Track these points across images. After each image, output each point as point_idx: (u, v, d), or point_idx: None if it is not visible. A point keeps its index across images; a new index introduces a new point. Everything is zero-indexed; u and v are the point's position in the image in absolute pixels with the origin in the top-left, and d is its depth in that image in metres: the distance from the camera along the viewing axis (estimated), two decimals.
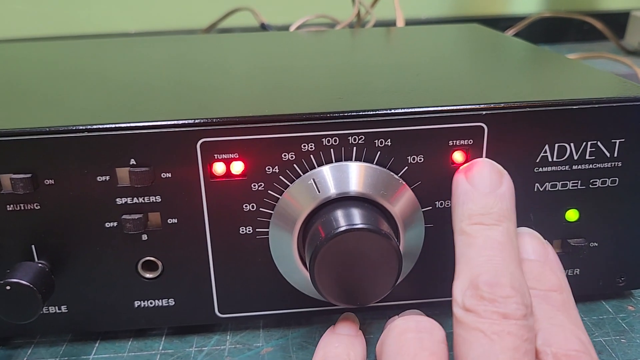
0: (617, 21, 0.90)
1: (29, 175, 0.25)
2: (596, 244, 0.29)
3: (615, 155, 0.28)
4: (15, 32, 0.85)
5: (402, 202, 0.27)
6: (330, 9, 0.82)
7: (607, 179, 0.28)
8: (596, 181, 0.28)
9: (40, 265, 0.26)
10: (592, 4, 0.96)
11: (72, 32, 0.86)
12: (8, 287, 0.25)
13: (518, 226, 0.25)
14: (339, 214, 0.25)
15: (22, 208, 0.26)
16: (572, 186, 0.28)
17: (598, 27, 0.83)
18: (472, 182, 0.25)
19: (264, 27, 0.69)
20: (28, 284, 0.25)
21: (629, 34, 0.85)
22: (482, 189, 0.24)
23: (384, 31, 0.50)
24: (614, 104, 0.27)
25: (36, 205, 0.26)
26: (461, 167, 0.26)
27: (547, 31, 0.93)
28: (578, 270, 0.30)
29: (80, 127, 0.25)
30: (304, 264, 0.27)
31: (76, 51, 0.43)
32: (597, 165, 0.28)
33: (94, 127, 0.25)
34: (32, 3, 0.85)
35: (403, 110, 0.26)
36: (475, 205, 0.24)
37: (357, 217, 0.25)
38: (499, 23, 0.91)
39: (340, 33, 0.50)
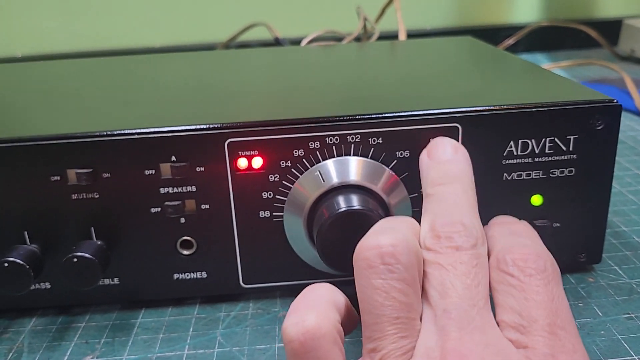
0: (611, 29, 0.95)
1: (90, 170, 0.32)
2: (559, 225, 0.35)
3: (571, 149, 0.33)
4: (48, 48, 0.92)
5: (393, 190, 0.32)
6: (338, 22, 0.89)
7: (565, 169, 0.34)
8: (555, 171, 0.34)
9: (99, 243, 0.33)
10: (588, 13, 1.02)
11: (101, 47, 0.93)
12: (75, 260, 0.31)
13: (489, 211, 0.30)
14: (340, 199, 0.31)
15: (84, 197, 0.32)
16: (535, 175, 0.34)
17: (593, 35, 0.89)
18: (431, 156, 0.30)
19: (277, 41, 0.75)
20: (91, 256, 0.31)
21: (622, 41, 0.91)
22: (439, 159, 0.30)
23: (385, 45, 0.56)
24: (568, 107, 0.32)
25: (96, 195, 0.32)
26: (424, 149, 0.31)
27: (545, 39, 0.98)
28: None
29: (132, 131, 0.31)
30: (313, 242, 0.33)
31: (116, 67, 0.50)
32: (556, 157, 0.33)
33: (142, 131, 0.31)
34: (63, 20, 0.92)
35: (392, 114, 0.32)
36: (435, 171, 0.29)
37: (354, 200, 0.31)
38: (500, 32, 0.97)
39: (346, 47, 0.56)
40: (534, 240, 0.27)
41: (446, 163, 0.29)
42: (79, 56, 0.89)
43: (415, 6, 0.97)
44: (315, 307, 0.24)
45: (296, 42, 0.81)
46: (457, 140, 0.32)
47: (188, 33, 0.94)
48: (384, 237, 0.24)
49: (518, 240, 0.26)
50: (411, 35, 0.86)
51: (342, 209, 0.30)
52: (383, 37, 0.75)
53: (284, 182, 0.33)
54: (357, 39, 0.74)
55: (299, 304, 0.24)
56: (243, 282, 0.35)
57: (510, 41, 0.92)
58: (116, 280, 0.34)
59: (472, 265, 0.24)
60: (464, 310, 0.23)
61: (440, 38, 0.59)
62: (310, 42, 0.70)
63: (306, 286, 0.35)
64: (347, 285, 0.36)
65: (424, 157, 0.31)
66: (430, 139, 0.31)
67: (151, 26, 0.93)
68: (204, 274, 0.34)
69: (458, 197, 0.27)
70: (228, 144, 0.32)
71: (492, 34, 0.96)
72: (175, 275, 0.34)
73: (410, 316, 0.23)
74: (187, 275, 0.34)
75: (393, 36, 0.75)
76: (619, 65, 0.84)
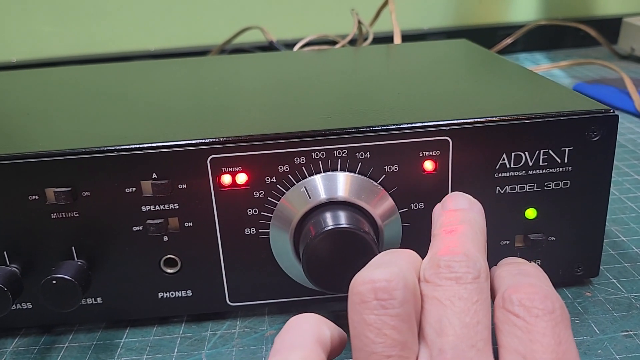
0: (611, 27, 0.94)
1: (69, 189, 0.31)
2: (554, 238, 0.34)
3: (566, 161, 0.32)
4: (43, 53, 0.91)
5: (381, 205, 0.31)
6: (333, 24, 0.88)
7: (560, 182, 0.33)
8: (550, 184, 0.33)
9: (79, 263, 0.32)
10: (587, 11, 1.00)
11: (96, 51, 0.92)
12: (54, 282, 0.30)
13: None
14: (327, 216, 0.30)
15: (64, 216, 0.31)
16: (529, 188, 0.33)
17: (592, 34, 0.88)
18: (445, 207, 0.29)
19: (272, 44, 0.74)
20: (70, 278, 0.30)
21: (621, 39, 0.89)
22: (452, 208, 0.29)
23: (378, 50, 0.55)
24: (562, 118, 0.31)
25: (75, 214, 0.31)
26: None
27: (543, 38, 0.97)
28: (539, 261, 0.34)
29: (111, 148, 0.30)
30: (299, 259, 0.32)
31: (101, 76, 0.49)
32: (550, 170, 0.32)
33: (122, 147, 0.30)
34: (58, 25, 0.91)
35: (379, 128, 0.31)
36: (446, 217, 0.28)
37: (342, 218, 0.30)
38: (498, 32, 0.96)
39: (340, 52, 0.55)
40: (542, 281, 0.25)
41: (459, 211, 0.28)
42: (74, 61, 0.89)
43: (412, 6, 0.95)
44: (300, 348, 0.22)
45: (291, 44, 0.79)
46: (448, 154, 0.31)
47: (183, 37, 0.93)
48: (379, 272, 0.23)
49: (526, 279, 0.25)
50: (408, 36, 0.85)
51: (329, 228, 0.29)
52: (378, 38, 0.73)
53: (269, 198, 0.32)
54: (352, 42, 0.73)
55: (283, 343, 0.23)
56: (229, 300, 0.34)
57: (508, 40, 0.91)
58: (99, 300, 0.33)
59: (473, 302, 0.23)
60: (462, 350, 0.22)
61: (434, 41, 0.58)
62: (305, 45, 0.68)
63: (294, 304, 0.34)
64: (334, 302, 0.35)
65: (437, 208, 0.30)
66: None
67: (146, 30, 0.92)
68: (189, 293, 0.33)
69: (465, 235, 0.26)
70: (211, 160, 0.31)
71: (490, 34, 0.95)
72: (160, 294, 0.33)
73: (404, 355, 0.22)
74: (172, 294, 0.33)
75: (389, 37, 0.74)
76: (619, 64, 0.83)
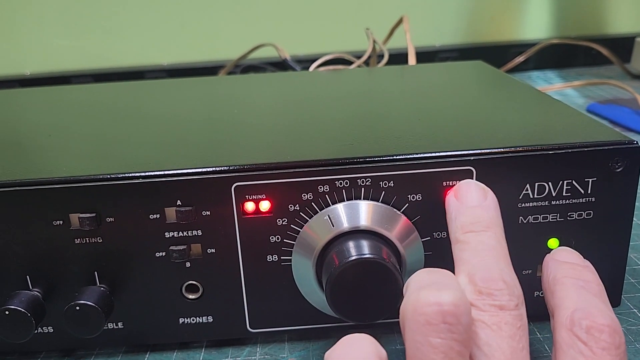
0: (623, 46, 0.94)
1: (93, 215, 0.31)
2: None
3: (589, 191, 0.32)
4: (58, 66, 0.92)
5: (404, 234, 0.31)
6: (345, 41, 0.88)
7: (583, 212, 0.33)
8: (573, 214, 0.32)
9: (102, 288, 0.32)
10: (599, 30, 1.00)
11: (109, 65, 0.92)
12: (78, 308, 0.30)
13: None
14: (350, 245, 0.30)
15: (87, 241, 0.31)
16: (552, 219, 0.32)
17: (604, 53, 0.88)
18: (461, 199, 0.29)
19: (285, 62, 0.75)
20: (94, 304, 0.30)
21: (634, 59, 0.89)
22: (469, 203, 0.29)
23: (394, 71, 0.55)
24: (586, 149, 0.31)
25: (99, 239, 0.31)
26: (450, 190, 0.31)
27: (556, 57, 0.97)
28: None
29: (136, 175, 0.30)
30: (322, 287, 0.32)
31: (118, 96, 0.49)
32: (573, 200, 0.32)
33: (147, 174, 0.30)
34: (72, 38, 0.91)
35: (403, 157, 0.31)
36: (466, 217, 0.29)
37: (366, 248, 0.30)
38: (510, 50, 0.96)
39: (356, 73, 0.55)
40: (606, 303, 0.26)
41: (476, 208, 0.29)
42: (87, 75, 0.89)
43: (424, 24, 0.96)
44: None
45: (304, 60, 0.80)
46: None
47: (196, 52, 0.93)
48: (445, 295, 0.23)
49: (592, 301, 0.25)
50: (419, 53, 0.85)
51: (353, 257, 0.29)
52: (392, 55, 0.73)
53: (292, 226, 0.32)
54: (367, 61, 0.73)
55: (341, 357, 0.23)
56: (250, 326, 0.34)
57: (520, 58, 0.91)
58: (120, 325, 0.33)
59: (517, 327, 0.24)
60: None
61: (450, 63, 0.59)
62: (319, 65, 0.69)
63: (314, 331, 0.34)
64: (355, 329, 0.35)
65: (451, 199, 0.30)
66: (457, 182, 0.31)
67: (159, 45, 0.93)
68: (210, 319, 0.33)
69: (493, 249, 0.27)
70: (235, 188, 0.31)
71: (502, 51, 0.95)
72: (181, 320, 0.33)
73: None
74: (193, 320, 0.33)
75: (402, 54, 0.74)
76: (632, 84, 0.83)
